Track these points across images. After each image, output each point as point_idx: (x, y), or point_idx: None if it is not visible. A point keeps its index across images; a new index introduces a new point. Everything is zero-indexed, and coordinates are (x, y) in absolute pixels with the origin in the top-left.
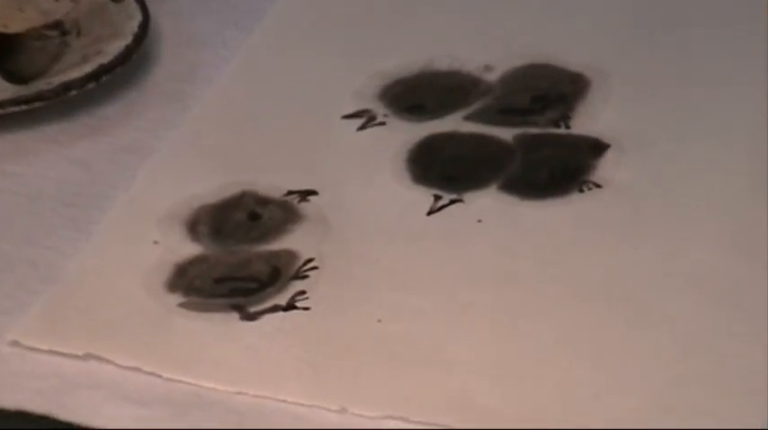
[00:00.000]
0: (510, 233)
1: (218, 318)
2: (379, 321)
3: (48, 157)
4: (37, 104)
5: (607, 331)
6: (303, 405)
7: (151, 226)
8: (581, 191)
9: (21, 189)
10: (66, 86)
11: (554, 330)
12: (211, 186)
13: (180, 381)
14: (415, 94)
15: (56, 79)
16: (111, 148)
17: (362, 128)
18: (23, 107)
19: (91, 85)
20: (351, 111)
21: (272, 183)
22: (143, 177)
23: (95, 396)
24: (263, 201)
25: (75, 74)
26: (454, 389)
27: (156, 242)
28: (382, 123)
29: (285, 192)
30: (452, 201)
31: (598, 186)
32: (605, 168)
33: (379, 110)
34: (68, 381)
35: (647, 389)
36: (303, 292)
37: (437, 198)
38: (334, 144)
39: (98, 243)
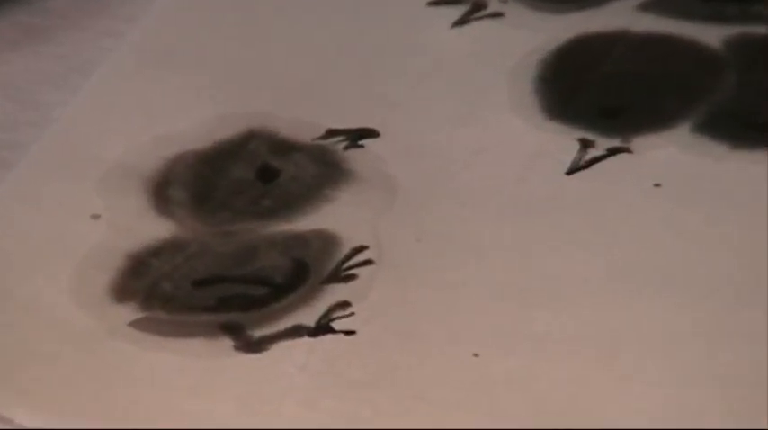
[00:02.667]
0: (711, 208)
1: (196, 347)
2: (476, 355)
3: None
4: None
5: None
6: None
7: (89, 188)
8: None
9: None
10: None
11: None
12: (194, 121)
13: None
14: None
15: None
16: (44, 63)
17: (461, 22)
18: None
19: None
20: None
21: (299, 116)
22: (80, 105)
23: None
24: (284, 148)
25: None
26: None
27: (95, 216)
28: (497, 15)
29: (322, 132)
30: (612, 151)
31: None
32: None
33: None
34: None
35: None
36: (346, 304)
37: (585, 145)
38: (408, 50)
39: None
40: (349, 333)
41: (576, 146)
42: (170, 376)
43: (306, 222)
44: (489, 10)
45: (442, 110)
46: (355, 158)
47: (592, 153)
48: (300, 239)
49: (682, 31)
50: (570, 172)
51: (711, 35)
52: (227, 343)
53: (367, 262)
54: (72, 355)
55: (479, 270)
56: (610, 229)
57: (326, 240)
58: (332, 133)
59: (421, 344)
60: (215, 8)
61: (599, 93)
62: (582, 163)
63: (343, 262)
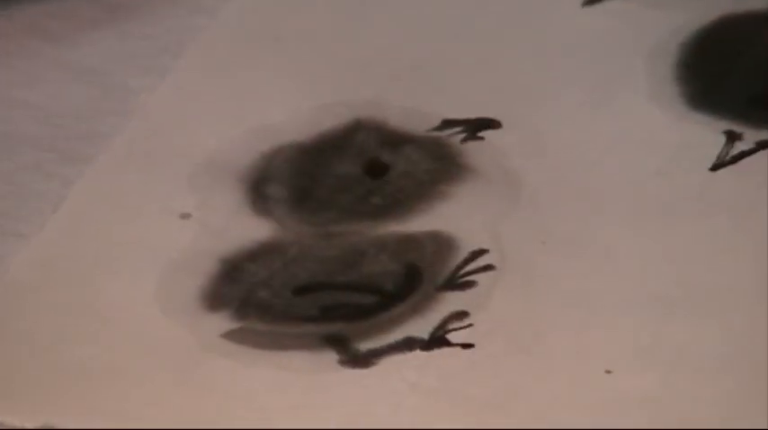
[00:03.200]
0: None
1: (298, 362)
2: (609, 372)
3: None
4: None
5: None
6: None
7: (178, 184)
8: None
9: None
10: None
11: None
12: (294, 111)
13: None
14: None
15: None
16: (128, 44)
17: (593, 1)
18: None
19: None
20: None
21: (412, 105)
22: (168, 91)
23: None
24: (394, 140)
25: None
26: None
27: (185, 215)
28: None
29: (437, 122)
30: (762, 145)
31: None
32: None
33: None
34: None
35: None
36: (464, 315)
37: (732, 137)
38: (535, 32)
39: (69, 214)
40: (467, 346)
41: (722, 139)
42: (268, 394)
43: (419, 223)
44: None
45: (572, 98)
46: (474, 152)
47: (739, 147)
48: (413, 242)
49: None
50: (715, 168)
51: None
52: (331, 356)
53: (487, 267)
54: (161, 371)
55: (613, 277)
56: (760, 233)
57: (442, 243)
58: (448, 124)
59: (547, 359)
60: None
61: (748, 79)
62: (728, 158)
63: (461, 267)
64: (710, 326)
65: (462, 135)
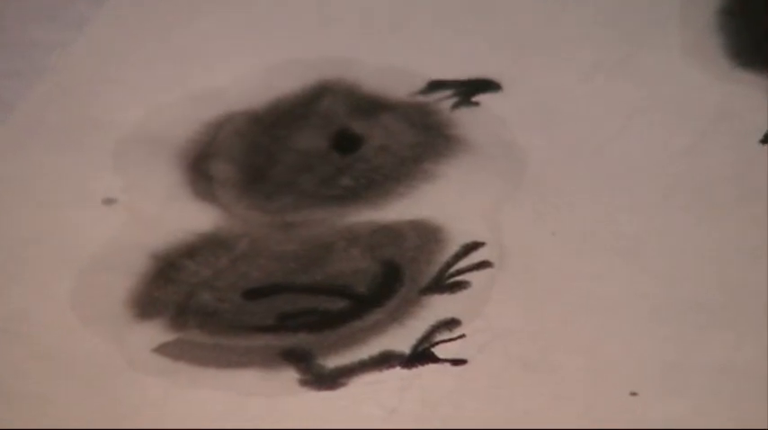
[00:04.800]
0: None
1: (248, 382)
2: (634, 395)
3: None
4: None
5: None
6: None
7: (99, 163)
8: None
9: None
10: None
11: None
12: (245, 71)
13: None
14: None
15: None
16: None
17: None
18: None
19: None
20: None
21: (390, 62)
22: (85, 48)
23: None
24: (368, 107)
25: None
26: None
27: (109, 201)
28: None
29: (422, 84)
30: None
31: None
32: None
33: None
34: None
35: None
36: (454, 323)
37: None
38: None
39: None
40: (458, 363)
41: None
42: (211, 422)
43: (399, 210)
44: None
45: (589, 53)
46: (467, 121)
47: None
48: (391, 233)
49: None
50: (766, 140)
51: None
52: (290, 375)
53: (483, 264)
54: (76, 394)
55: (637, 278)
56: None
57: (427, 235)
58: (435, 86)
59: (557, 379)
60: None
61: None
62: None
63: (451, 264)
64: (756, 338)
65: (453, 100)
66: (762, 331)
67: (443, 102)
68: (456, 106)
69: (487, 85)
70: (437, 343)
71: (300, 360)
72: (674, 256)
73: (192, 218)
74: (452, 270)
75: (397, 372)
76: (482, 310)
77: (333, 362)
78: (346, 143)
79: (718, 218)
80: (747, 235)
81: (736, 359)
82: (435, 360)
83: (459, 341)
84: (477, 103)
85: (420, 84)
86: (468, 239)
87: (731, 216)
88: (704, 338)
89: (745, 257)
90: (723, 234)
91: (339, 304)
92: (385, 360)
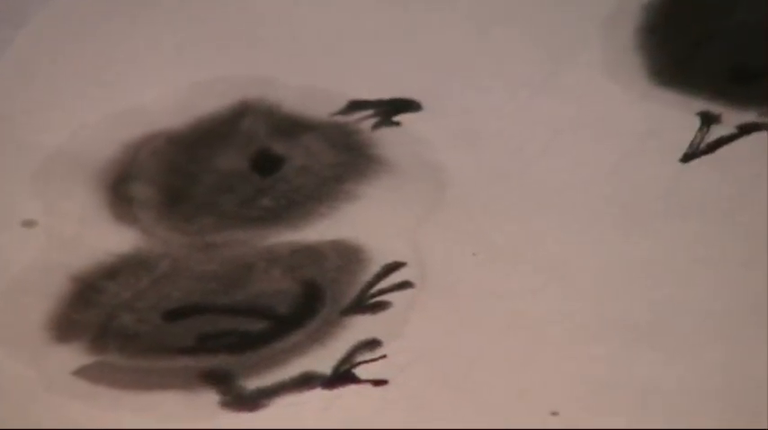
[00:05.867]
0: None
1: (168, 405)
2: (555, 414)
3: None
4: None
5: None
6: None
7: (19, 184)
8: None
9: None
10: None
11: None
12: (165, 90)
13: None
14: None
15: None
16: None
17: None
18: None
19: None
20: None
21: (310, 82)
22: (7, 67)
23: None
24: (289, 127)
25: None
26: None
27: (29, 223)
28: None
29: (343, 104)
30: (745, 129)
31: None
32: None
33: None
34: None
35: None
36: (375, 343)
37: (708, 120)
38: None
39: None
40: (379, 383)
41: (696, 122)
42: None
43: (319, 230)
44: None
45: (512, 72)
46: (388, 141)
47: (717, 132)
48: (312, 254)
49: None
50: (687, 158)
51: None
52: (210, 397)
53: (404, 284)
54: None
55: (560, 297)
56: (743, 240)
57: (348, 255)
58: (356, 106)
59: (478, 399)
60: None
61: (728, 49)
62: (703, 146)
63: (372, 284)
64: (683, 358)
65: (374, 120)
66: (690, 350)
67: (364, 122)
68: (377, 126)
69: (408, 105)
70: (358, 363)
71: (221, 381)
72: (601, 275)
73: (113, 239)
74: (373, 290)
75: (319, 393)
76: (403, 331)
77: (254, 383)
78: (267, 163)
79: (646, 236)
80: (675, 253)
81: (664, 378)
82: (356, 381)
83: (380, 361)
84: (398, 123)
85: (341, 104)
86: (390, 259)
87: (658, 234)
88: (631, 357)
89: (672, 275)
90: (650, 252)
91: (260, 325)
92: (306, 381)
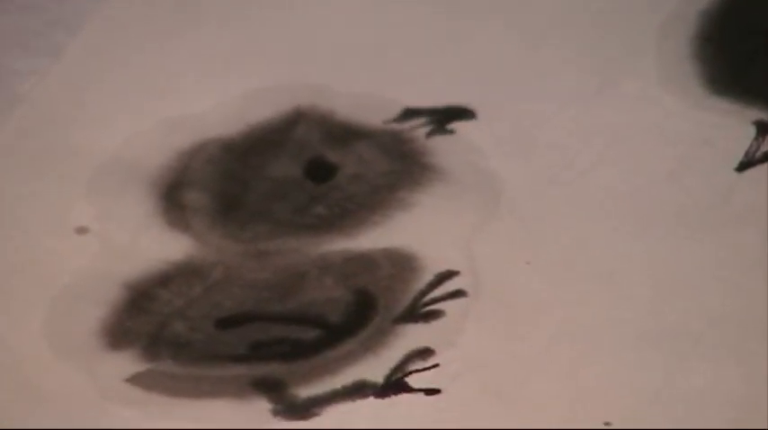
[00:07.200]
0: None
1: (220, 412)
2: (608, 425)
3: None
4: None
5: None
6: None
7: (73, 191)
8: None
9: None
10: None
11: None
12: (219, 99)
13: None
14: None
15: None
16: (11, 17)
17: None
18: None
19: None
20: None
21: (364, 90)
22: (61, 76)
23: None
24: (343, 135)
25: None
26: None
27: (82, 230)
28: None
29: (397, 112)
30: None
31: None
32: None
33: None
34: None
35: None
36: (428, 352)
37: (764, 129)
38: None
39: None
40: (432, 392)
41: (752, 131)
42: None
43: (372, 238)
44: None
45: (566, 81)
46: (442, 149)
47: None
48: (365, 262)
49: None
50: (743, 167)
51: None
52: (262, 405)
53: (457, 293)
54: (49, 425)
55: (614, 306)
56: None
57: (401, 263)
58: (410, 114)
59: (531, 409)
60: None
61: None
62: (759, 155)
63: (425, 293)
64: (736, 368)
65: (428, 128)
66: (743, 359)
67: (418, 129)
68: (431, 134)
69: (462, 113)
70: (411, 372)
71: (273, 390)
72: (655, 283)
73: (166, 246)
74: (426, 299)
75: (371, 402)
76: (456, 340)
77: (306, 391)
78: (320, 171)
79: (700, 244)
80: (730, 262)
81: (717, 387)
82: (409, 390)
83: (432, 370)
84: (452, 131)
85: (395, 112)
86: (443, 268)
87: (713, 243)
88: (685, 366)
89: (727, 284)
90: (704, 261)
91: (312, 333)
92: (358, 389)
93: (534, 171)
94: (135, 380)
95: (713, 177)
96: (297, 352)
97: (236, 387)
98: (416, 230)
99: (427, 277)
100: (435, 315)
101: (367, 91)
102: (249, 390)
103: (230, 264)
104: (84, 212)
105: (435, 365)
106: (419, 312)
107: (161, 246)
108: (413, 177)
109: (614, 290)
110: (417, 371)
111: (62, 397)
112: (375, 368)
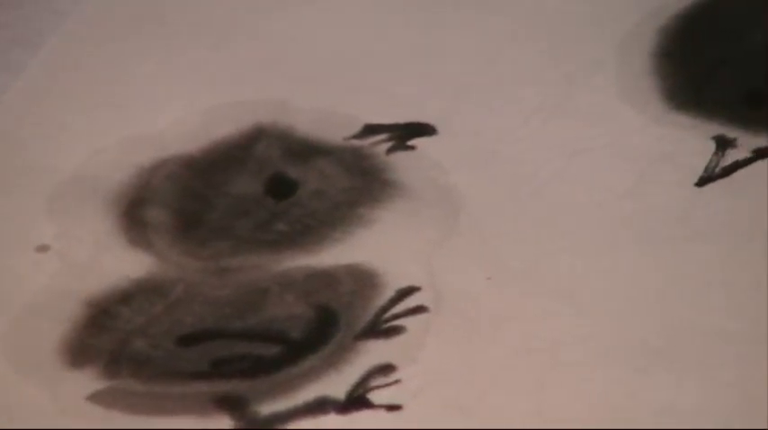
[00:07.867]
0: None
1: (184, 428)
2: None
3: None
4: None
5: None
6: None
7: (33, 209)
8: None
9: None
10: None
11: None
12: (180, 115)
13: None
14: None
15: None
16: None
17: None
18: None
19: None
20: None
21: (325, 106)
22: (22, 93)
23: None
24: (304, 151)
25: None
26: None
27: (43, 248)
28: None
29: (357, 128)
30: (760, 154)
31: None
32: None
33: None
34: None
35: None
36: (389, 369)
37: (724, 144)
38: (482, 8)
39: None
40: (393, 408)
41: (711, 146)
42: None
43: (334, 254)
44: None
45: (526, 96)
46: (403, 165)
47: (732, 156)
48: (326, 278)
49: None
50: (703, 182)
51: None
52: (224, 423)
53: (418, 309)
54: None
55: (575, 321)
56: (761, 265)
57: (362, 279)
58: (371, 130)
59: (493, 423)
60: None
61: (744, 73)
62: (719, 170)
63: (386, 309)
64: (698, 381)
65: (388, 144)
66: (704, 372)
67: (378, 146)
68: (392, 150)
69: (423, 129)
70: (372, 388)
71: (235, 407)
72: (616, 298)
73: (126, 264)
74: (388, 315)
75: (333, 418)
76: (417, 355)
77: (268, 408)
78: (281, 188)
79: (660, 259)
80: (690, 277)
81: (679, 400)
82: (370, 406)
83: (394, 386)
84: (413, 147)
85: (355, 128)
86: (404, 284)
87: (673, 257)
88: (646, 380)
89: (687, 299)
90: (665, 275)
91: (274, 350)
92: (320, 406)
93: (494, 186)
94: (96, 397)
95: (673, 192)
96: (258, 368)
97: (197, 404)
98: (377, 246)
99: (388, 293)
100: (397, 331)
101: (327, 107)
102: (211, 407)
103: (191, 281)
104: (45, 230)
105: (397, 381)
106: (381, 328)
107: (122, 264)
108: (373, 193)
109: (575, 304)
110: (379, 387)
111: (22, 415)
112: (337, 384)
